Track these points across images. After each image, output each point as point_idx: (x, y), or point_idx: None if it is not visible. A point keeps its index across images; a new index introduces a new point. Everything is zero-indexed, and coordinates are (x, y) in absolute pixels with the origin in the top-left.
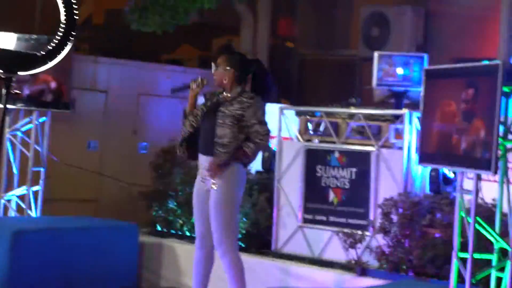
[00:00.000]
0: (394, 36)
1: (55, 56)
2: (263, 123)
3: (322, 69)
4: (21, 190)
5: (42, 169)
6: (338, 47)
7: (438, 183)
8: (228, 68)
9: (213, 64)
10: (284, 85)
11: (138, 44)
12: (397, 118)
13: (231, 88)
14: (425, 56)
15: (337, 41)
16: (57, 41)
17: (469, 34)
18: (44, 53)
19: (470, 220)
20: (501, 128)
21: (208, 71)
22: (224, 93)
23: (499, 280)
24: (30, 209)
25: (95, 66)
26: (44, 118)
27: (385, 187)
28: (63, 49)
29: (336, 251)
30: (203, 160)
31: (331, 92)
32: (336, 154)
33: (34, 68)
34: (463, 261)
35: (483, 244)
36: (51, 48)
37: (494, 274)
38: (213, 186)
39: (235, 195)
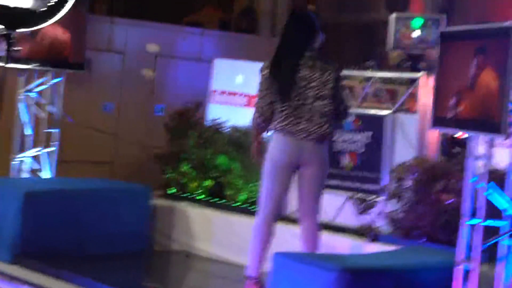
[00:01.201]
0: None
1: (56, 13)
2: None
3: (344, 32)
4: (35, 151)
5: (56, 130)
6: (361, 10)
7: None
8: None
9: None
10: None
11: (159, 6)
12: (413, 81)
13: None
14: (444, 17)
15: (360, 4)
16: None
17: None
18: (45, 9)
19: (480, 186)
20: None
21: (227, 33)
22: None
23: (509, 248)
24: (44, 170)
25: (112, 26)
26: (58, 79)
27: (400, 152)
28: (63, 6)
29: (349, 216)
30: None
31: (353, 56)
32: (352, 118)
33: (36, 25)
34: (474, 227)
35: (494, 212)
36: (52, 4)
37: (505, 241)
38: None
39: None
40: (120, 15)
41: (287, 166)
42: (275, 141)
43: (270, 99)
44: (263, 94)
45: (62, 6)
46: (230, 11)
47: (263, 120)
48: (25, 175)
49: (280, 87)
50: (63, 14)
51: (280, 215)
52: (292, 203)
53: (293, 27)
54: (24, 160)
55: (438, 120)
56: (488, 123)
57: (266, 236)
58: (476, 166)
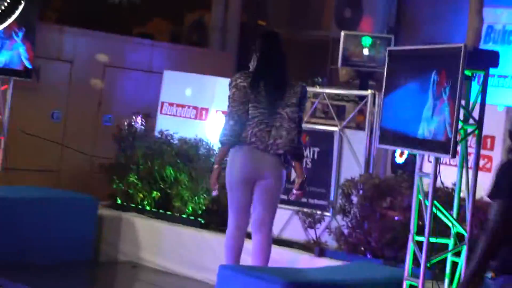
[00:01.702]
0: (366, 18)
1: (7, 19)
2: None
3: (294, 49)
4: None
5: (1, 138)
6: (311, 27)
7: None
8: None
9: None
10: None
11: (109, 16)
12: (362, 99)
13: None
14: (392, 37)
15: (310, 21)
16: (7, 4)
17: (441, 19)
18: None
19: (428, 203)
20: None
21: (176, 45)
22: None
23: (454, 265)
24: None
25: (61, 35)
26: (5, 86)
27: (347, 168)
28: (14, 12)
29: (296, 230)
30: None
31: (302, 73)
32: None
33: None
34: (420, 244)
35: (441, 228)
36: (2, 9)
37: (450, 258)
38: None
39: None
40: (70, 24)
41: (245, 181)
42: (232, 156)
43: (246, 107)
44: (237, 103)
45: (13, 12)
46: (181, 23)
47: (239, 127)
48: None
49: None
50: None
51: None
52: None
53: (271, 46)
54: None
55: (385, 138)
56: (436, 143)
57: (235, 249)
58: (423, 184)
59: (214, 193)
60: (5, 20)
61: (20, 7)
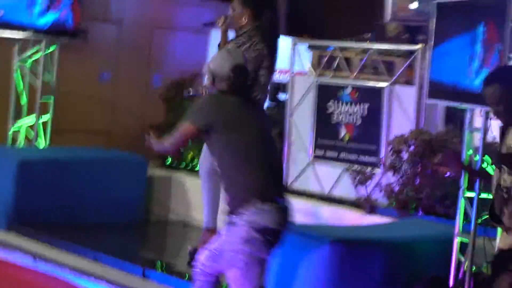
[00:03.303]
0: None
1: None
2: None
3: (344, 4)
4: (29, 120)
5: (51, 99)
6: None
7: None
8: (244, 8)
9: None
10: (304, 21)
11: None
12: (412, 53)
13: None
14: None
15: None
16: None
17: None
18: None
19: (478, 158)
20: None
21: (224, 3)
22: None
23: None
24: (39, 139)
25: None
26: (53, 46)
27: (397, 124)
28: None
29: (347, 188)
30: None
31: (353, 28)
32: (349, 90)
33: None
34: (470, 200)
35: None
36: None
37: None
38: None
39: None
40: None
41: None
42: None
43: None
44: None
45: None
46: None
47: None
48: (20, 144)
49: None
50: None
51: None
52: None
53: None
54: (20, 129)
55: (435, 92)
56: None
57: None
58: (473, 139)
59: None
60: None
61: None
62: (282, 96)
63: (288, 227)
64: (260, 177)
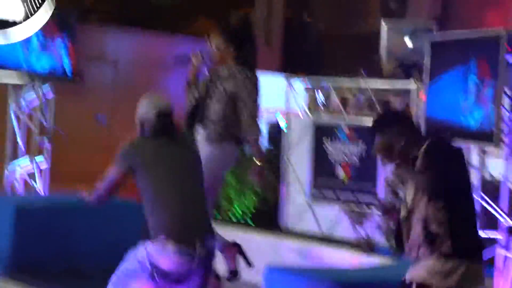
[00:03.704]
0: (412, 8)
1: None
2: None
3: (340, 43)
4: (24, 161)
5: (46, 141)
6: (356, 21)
7: None
8: (224, 45)
9: (208, 42)
10: (300, 59)
11: (152, 16)
12: (407, 92)
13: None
14: (434, 25)
15: (355, 14)
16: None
17: (490, 4)
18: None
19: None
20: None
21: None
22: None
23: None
24: (36, 180)
25: (105, 36)
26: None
27: None
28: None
29: (346, 227)
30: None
31: (349, 66)
32: (345, 129)
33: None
34: None
35: (490, 221)
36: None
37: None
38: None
39: None
40: (115, 24)
41: None
42: None
43: None
44: None
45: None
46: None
47: None
48: (17, 184)
49: None
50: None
51: None
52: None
53: None
54: (17, 170)
55: (429, 128)
56: (481, 133)
57: None
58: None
59: None
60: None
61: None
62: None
63: (200, 268)
64: (168, 217)
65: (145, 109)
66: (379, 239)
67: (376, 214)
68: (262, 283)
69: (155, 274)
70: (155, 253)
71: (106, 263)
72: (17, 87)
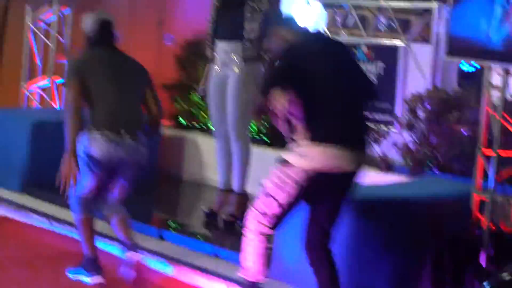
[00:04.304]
0: None
1: None
2: None
3: None
4: (44, 82)
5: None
6: None
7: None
8: None
9: None
10: None
11: None
12: (427, 11)
13: None
14: None
15: None
16: None
17: None
18: None
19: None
20: None
21: None
22: None
23: None
24: (53, 100)
25: None
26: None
27: (413, 82)
28: None
29: None
30: (225, 46)
31: None
32: (364, 48)
33: None
34: (488, 158)
35: (510, 141)
36: None
37: None
38: (235, 68)
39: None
40: None
41: None
42: None
43: None
44: None
45: None
46: None
47: None
48: (34, 104)
49: None
50: None
51: None
52: None
53: None
54: (33, 89)
55: (453, 49)
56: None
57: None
58: (491, 96)
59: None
60: None
61: None
62: None
63: (130, 160)
64: (104, 112)
65: (90, 19)
66: (396, 157)
67: (392, 133)
68: None
69: (91, 164)
70: (87, 142)
71: None
72: (34, 4)
